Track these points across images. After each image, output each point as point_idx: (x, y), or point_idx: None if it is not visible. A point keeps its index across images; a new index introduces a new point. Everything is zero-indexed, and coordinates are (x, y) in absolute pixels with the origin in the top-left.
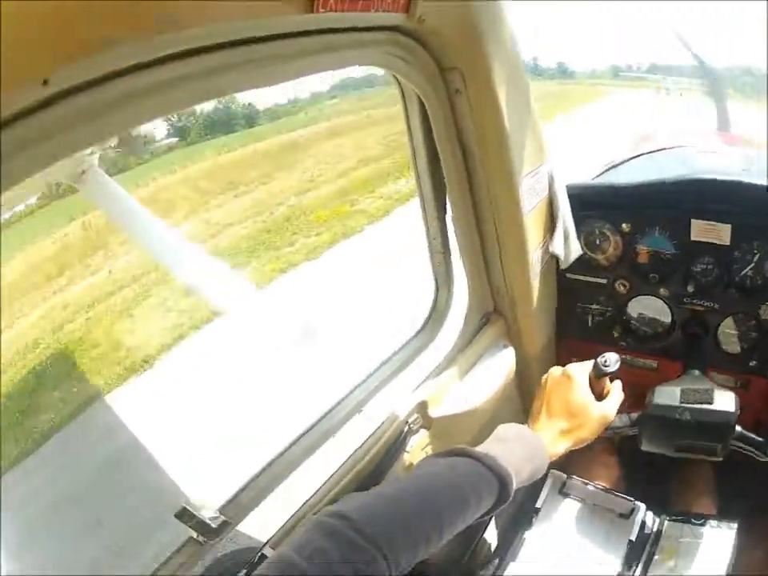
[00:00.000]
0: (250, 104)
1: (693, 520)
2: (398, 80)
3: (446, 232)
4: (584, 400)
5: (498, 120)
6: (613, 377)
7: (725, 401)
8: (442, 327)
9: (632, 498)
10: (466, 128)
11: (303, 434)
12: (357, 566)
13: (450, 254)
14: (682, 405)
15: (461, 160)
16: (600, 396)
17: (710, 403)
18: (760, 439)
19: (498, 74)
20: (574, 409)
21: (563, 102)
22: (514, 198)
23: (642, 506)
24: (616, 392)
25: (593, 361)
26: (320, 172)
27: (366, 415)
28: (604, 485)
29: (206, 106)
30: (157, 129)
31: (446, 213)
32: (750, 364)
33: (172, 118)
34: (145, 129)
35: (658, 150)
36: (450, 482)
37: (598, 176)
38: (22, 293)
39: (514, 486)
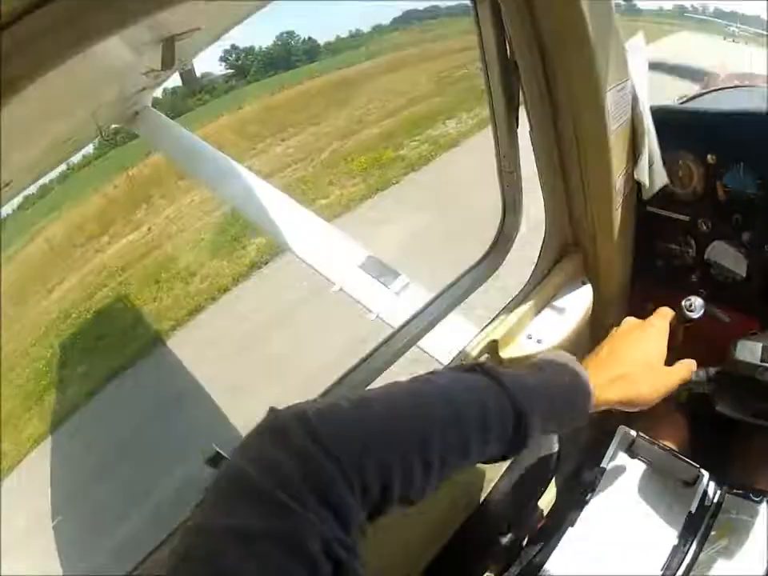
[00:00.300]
0: (310, 38)
1: (752, 496)
2: None
3: (517, 149)
4: (657, 348)
5: (580, 21)
6: (695, 325)
7: None
8: (507, 254)
9: (697, 465)
10: (544, 29)
11: (350, 371)
12: (315, 484)
13: (521, 174)
14: (763, 364)
15: (540, 65)
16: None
17: None
18: None
19: None
20: (642, 353)
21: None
22: (599, 111)
23: (706, 474)
24: (688, 360)
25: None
26: (369, 112)
27: (429, 352)
28: (670, 446)
29: (266, 41)
30: (216, 67)
31: (517, 126)
32: None
33: (230, 57)
34: (203, 68)
35: (733, 87)
36: (448, 396)
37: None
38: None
39: (537, 427)
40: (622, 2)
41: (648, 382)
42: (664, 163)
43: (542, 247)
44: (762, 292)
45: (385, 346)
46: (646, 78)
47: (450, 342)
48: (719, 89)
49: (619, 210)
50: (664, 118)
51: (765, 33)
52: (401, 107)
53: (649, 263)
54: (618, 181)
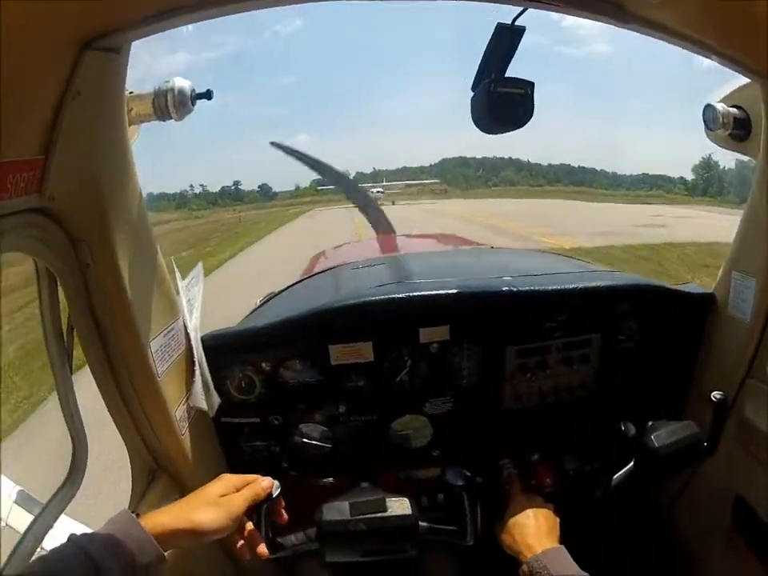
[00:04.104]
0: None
1: None
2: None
3: (74, 395)
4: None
5: (121, 289)
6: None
7: (399, 506)
8: (81, 482)
9: None
10: (96, 299)
11: None
12: None
13: (79, 413)
14: (354, 517)
15: (94, 330)
16: None
17: (384, 511)
18: (452, 528)
19: (121, 244)
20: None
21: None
22: (144, 361)
23: None
24: (245, 490)
25: None
26: None
27: None
28: None
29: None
30: None
31: (71, 372)
32: (434, 454)
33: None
34: None
35: (312, 276)
36: None
37: (247, 316)
38: None
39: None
40: (257, 189)
41: (210, 508)
42: (227, 379)
43: (131, 474)
44: (352, 453)
45: None
46: (199, 311)
47: None
48: (300, 281)
49: (188, 433)
50: (216, 343)
51: (414, 183)
52: None
53: (241, 461)
54: (179, 411)
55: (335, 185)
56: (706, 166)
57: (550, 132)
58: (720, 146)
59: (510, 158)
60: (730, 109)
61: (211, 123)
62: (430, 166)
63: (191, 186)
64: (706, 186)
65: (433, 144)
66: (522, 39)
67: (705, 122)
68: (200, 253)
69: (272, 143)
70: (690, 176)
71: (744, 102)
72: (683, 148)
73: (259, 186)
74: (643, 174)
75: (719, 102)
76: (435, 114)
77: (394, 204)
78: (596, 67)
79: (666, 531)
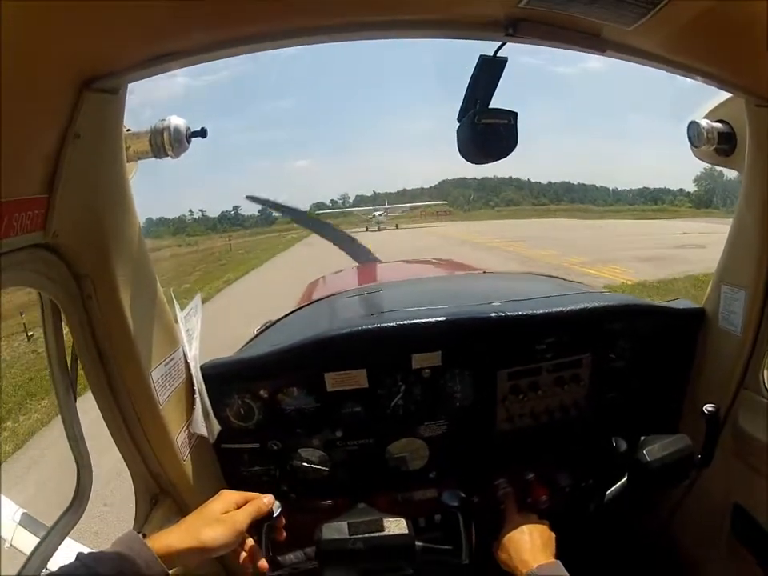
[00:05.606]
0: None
1: None
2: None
3: (78, 421)
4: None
5: (123, 320)
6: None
7: (396, 526)
8: (86, 504)
9: None
10: (98, 330)
11: None
12: None
13: (84, 439)
14: (353, 536)
15: (98, 361)
16: None
17: (381, 531)
18: (447, 547)
19: (123, 277)
20: (206, 511)
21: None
22: (146, 390)
23: None
24: (247, 506)
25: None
26: None
27: None
28: None
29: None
30: None
31: (75, 399)
32: (430, 476)
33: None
34: None
35: (308, 304)
36: None
37: (245, 345)
38: None
39: None
40: (257, 214)
41: (212, 526)
42: (226, 407)
43: (135, 498)
44: (350, 476)
45: None
46: (198, 341)
47: None
48: (297, 309)
49: (189, 459)
50: (215, 372)
51: (419, 205)
52: None
53: (241, 487)
54: (180, 437)
55: (308, 227)
56: (710, 177)
57: (547, 151)
58: (705, 162)
59: (511, 177)
60: (715, 124)
61: (212, 149)
62: (431, 187)
63: (190, 210)
64: (711, 196)
65: (432, 165)
66: (516, 59)
67: (689, 138)
68: (177, 290)
69: (248, 197)
70: (690, 188)
71: (729, 116)
72: (680, 160)
73: (259, 211)
74: (643, 187)
75: (704, 117)
76: (433, 135)
77: (397, 228)
78: (590, 83)
79: (664, 542)
